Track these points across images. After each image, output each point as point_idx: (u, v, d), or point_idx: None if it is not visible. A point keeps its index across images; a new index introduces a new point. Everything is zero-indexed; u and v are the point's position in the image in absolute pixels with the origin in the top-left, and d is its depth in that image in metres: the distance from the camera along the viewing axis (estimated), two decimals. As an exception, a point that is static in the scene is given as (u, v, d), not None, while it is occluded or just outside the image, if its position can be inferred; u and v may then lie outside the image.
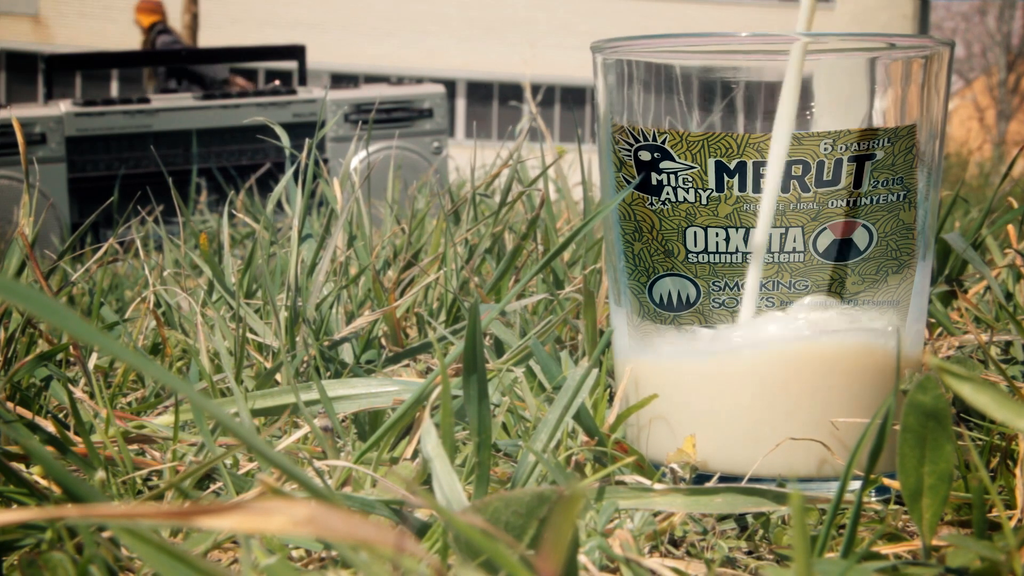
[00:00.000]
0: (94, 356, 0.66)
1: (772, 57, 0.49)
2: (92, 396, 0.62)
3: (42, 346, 0.68)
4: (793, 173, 0.48)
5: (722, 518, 0.46)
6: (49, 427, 0.52)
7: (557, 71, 12.75)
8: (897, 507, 0.47)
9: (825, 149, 0.48)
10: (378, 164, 2.08)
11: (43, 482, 0.48)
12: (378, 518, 0.42)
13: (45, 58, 2.34)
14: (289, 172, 0.79)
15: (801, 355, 0.50)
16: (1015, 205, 0.80)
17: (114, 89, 12.81)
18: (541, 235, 0.88)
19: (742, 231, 0.50)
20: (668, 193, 0.50)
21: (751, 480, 0.49)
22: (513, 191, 0.87)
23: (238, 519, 0.26)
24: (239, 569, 0.41)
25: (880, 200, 0.49)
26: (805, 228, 0.49)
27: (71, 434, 0.54)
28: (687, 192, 0.50)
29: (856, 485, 0.47)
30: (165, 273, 0.87)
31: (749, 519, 0.46)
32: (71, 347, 0.63)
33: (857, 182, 0.49)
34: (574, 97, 12.94)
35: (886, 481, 0.49)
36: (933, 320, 0.73)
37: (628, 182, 0.51)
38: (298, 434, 0.51)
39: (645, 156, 0.50)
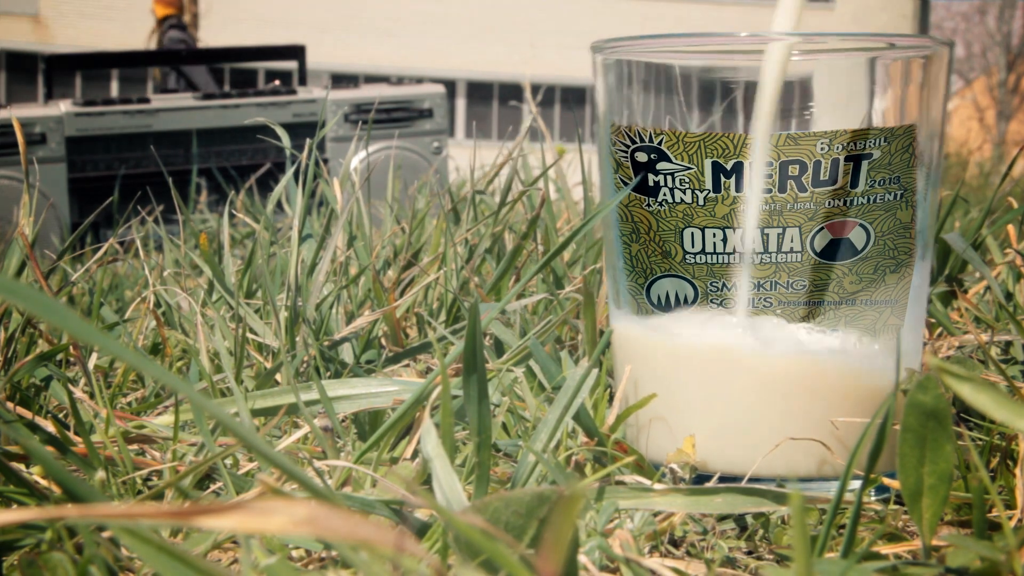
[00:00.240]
0: (94, 356, 0.66)
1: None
2: (92, 396, 0.62)
3: (42, 346, 0.68)
4: (790, 173, 0.48)
5: (722, 518, 0.46)
6: (49, 427, 0.52)
7: (557, 71, 12.76)
8: (897, 507, 0.47)
9: (822, 149, 0.48)
10: (378, 164, 2.08)
11: (43, 482, 0.48)
12: (378, 518, 0.42)
13: (45, 58, 2.34)
14: (289, 172, 0.79)
15: (802, 356, 0.50)
16: (1015, 205, 0.80)
17: (114, 89, 12.80)
18: (541, 235, 0.88)
19: (739, 232, 0.50)
20: (665, 194, 0.50)
21: (751, 480, 0.49)
22: (513, 191, 0.87)
23: (238, 519, 0.26)
24: (239, 569, 0.41)
25: (877, 200, 0.49)
26: (802, 228, 0.49)
27: (71, 434, 0.54)
28: (684, 193, 0.50)
29: (856, 485, 0.47)
30: (165, 273, 0.87)
31: (749, 519, 0.46)
32: (71, 347, 0.63)
33: (854, 182, 0.49)
34: (574, 97, 12.94)
35: (886, 481, 0.49)
36: (933, 320, 0.73)
37: (625, 183, 0.51)
38: (298, 434, 0.51)
39: (642, 157, 0.50)
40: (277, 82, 2.33)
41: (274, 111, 2.19)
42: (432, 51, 14.10)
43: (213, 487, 0.51)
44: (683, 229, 0.50)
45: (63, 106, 2.07)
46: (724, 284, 0.50)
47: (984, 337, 0.67)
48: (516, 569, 0.29)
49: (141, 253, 0.83)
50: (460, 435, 0.57)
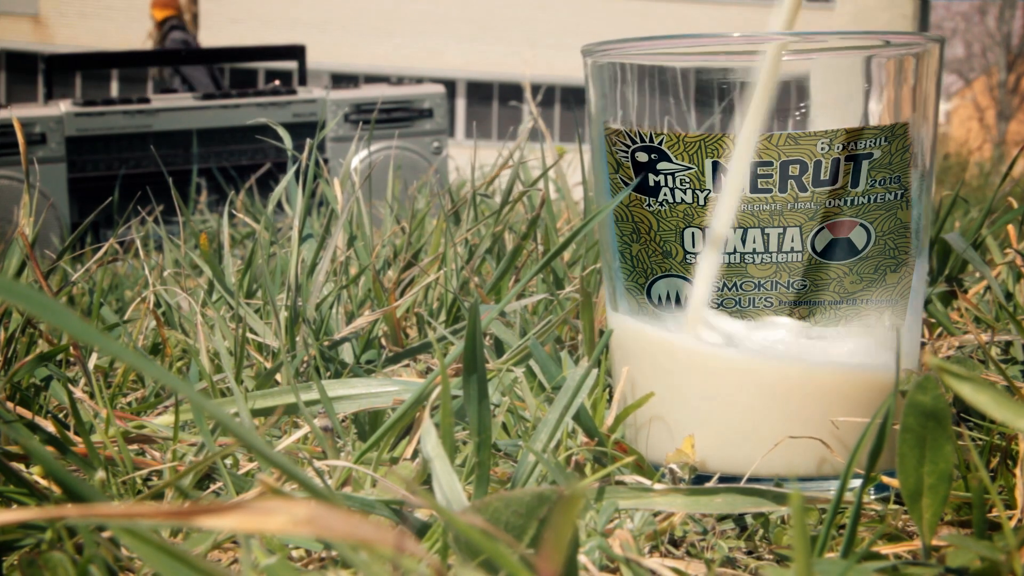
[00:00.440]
0: (94, 356, 0.66)
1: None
2: (92, 396, 0.62)
3: (42, 346, 0.68)
4: (791, 173, 0.48)
5: (722, 518, 0.46)
6: (49, 427, 0.52)
7: (557, 71, 12.75)
8: (897, 507, 0.47)
9: (822, 148, 0.48)
10: (378, 164, 2.08)
11: (43, 482, 0.48)
12: (378, 518, 0.42)
13: (45, 58, 2.34)
14: (290, 172, 0.79)
15: (801, 360, 0.50)
16: (1015, 205, 0.80)
17: (114, 89, 12.80)
18: (541, 235, 0.88)
19: (739, 232, 0.50)
20: (666, 194, 0.50)
21: (751, 480, 0.49)
22: (514, 191, 0.87)
23: (238, 519, 0.26)
24: (239, 569, 0.41)
25: (878, 199, 0.49)
26: (803, 228, 0.49)
27: (71, 434, 0.54)
28: (684, 193, 0.50)
29: (856, 485, 0.47)
30: (165, 273, 0.87)
31: (749, 519, 0.46)
32: (71, 347, 0.63)
33: (855, 181, 0.49)
34: (574, 97, 12.94)
35: (886, 480, 0.49)
36: (933, 320, 0.73)
37: (626, 183, 0.51)
38: (298, 434, 0.51)
39: (642, 157, 0.50)
40: (277, 82, 2.33)
41: (274, 111, 2.19)
42: (432, 51, 14.10)
43: (213, 487, 0.51)
44: (683, 229, 0.50)
45: (63, 106, 2.07)
46: (724, 284, 0.50)
47: (984, 337, 0.68)
48: (516, 569, 0.29)
49: (141, 253, 0.83)
50: (460, 435, 0.57)
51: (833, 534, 0.44)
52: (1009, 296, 0.75)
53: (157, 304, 0.80)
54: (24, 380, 0.62)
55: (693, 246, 0.50)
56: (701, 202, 0.50)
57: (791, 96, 0.49)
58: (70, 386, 0.59)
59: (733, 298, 0.50)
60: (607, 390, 0.57)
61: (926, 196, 0.51)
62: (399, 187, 1.19)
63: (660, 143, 0.49)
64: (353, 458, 0.50)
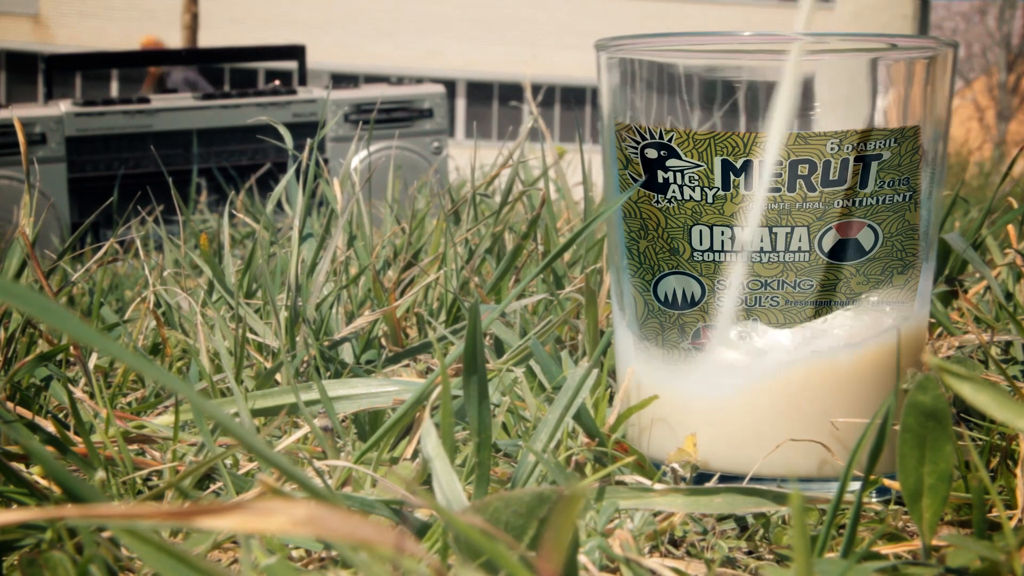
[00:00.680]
0: (94, 356, 0.66)
1: (776, 57, 0.49)
2: (92, 396, 0.62)
3: (42, 346, 0.68)
4: (799, 173, 0.48)
5: (722, 518, 0.46)
6: (49, 427, 0.52)
7: (557, 71, 12.76)
8: (897, 507, 0.47)
9: (832, 149, 0.48)
10: (378, 164, 2.08)
11: (43, 482, 0.48)
12: (378, 518, 0.42)
13: (45, 58, 2.34)
14: (290, 172, 0.79)
15: (803, 360, 0.50)
16: (1015, 205, 0.80)
17: (114, 89, 12.80)
18: (541, 235, 0.88)
19: (747, 230, 0.50)
20: (674, 191, 0.50)
21: (751, 480, 0.49)
22: (513, 191, 0.87)
23: (238, 519, 0.26)
24: (239, 569, 0.41)
25: (886, 200, 0.49)
26: (811, 228, 0.49)
27: (71, 434, 0.54)
28: (693, 190, 0.50)
29: (856, 485, 0.47)
30: (165, 273, 0.87)
31: (749, 519, 0.46)
32: (71, 347, 0.63)
33: (863, 182, 0.49)
34: (574, 97, 12.94)
35: (886, 481, 0.49)
36: (933, 320, 0.73)
37: (635, 180, 0.51)
38: (298, 434, 0.51)
39: (652, 154, 0.50)
40: (277, 82, 2.32)
41: (274, 111, 2.18)
42: (432, 51, 14.10)
43: (213, 487, 0.51)
44: (691, 226, 0.50)
45: (63, 106, 2.07)
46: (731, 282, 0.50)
47: (984, 337, 0.68)
48: (516, 569, 0.29)
49: (141, 253, 0.83)
50: (460, 435, 0.57)
51: (833, 534, 0.44)
52: (1009, 296, 0.75)
53: (157, 304, 0.80)
54: (24, 380, 0.62)
55: (700, 243, 0.50)
56: (709, 200, 0.50)
57: (802, 96, 0.49)
58: (70, 386, 0.59)
59: (740, 297, 0.50)
60: (608, 390, 0.57)
61: (936, 197, 0.51)
62: (399, 187, 1.19)
63: (670, 140, 0.49)
64: (353, 458, 0.50)
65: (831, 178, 0.48)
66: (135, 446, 0.55)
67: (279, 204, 1.13)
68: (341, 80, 2.52)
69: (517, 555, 0.32)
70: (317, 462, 0.48)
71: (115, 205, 1.08)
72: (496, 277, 0.78)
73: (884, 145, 0.48)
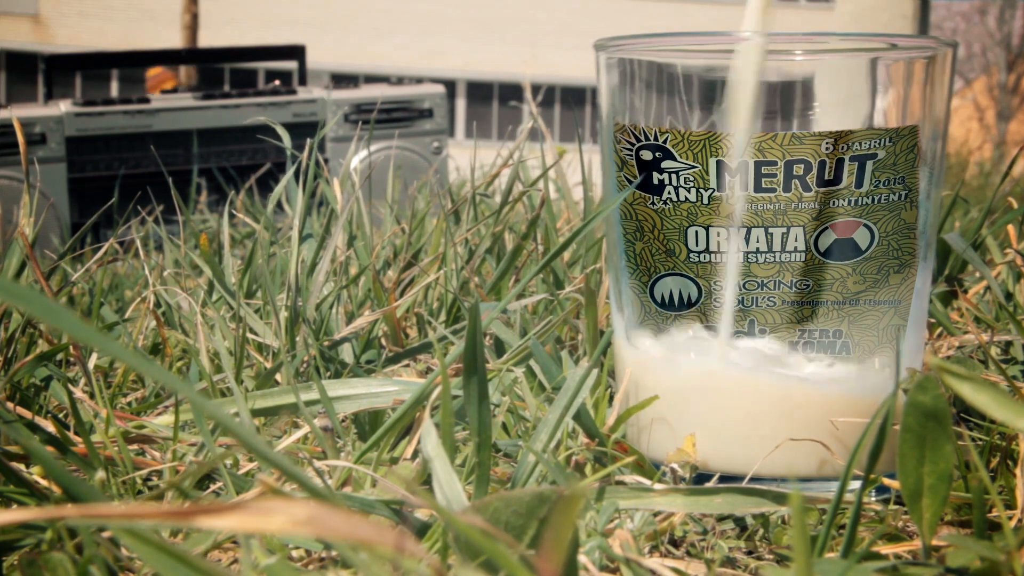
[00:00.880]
0: (94, 356, 0.66)
1: (774, 56, 0.49)
2: (92, 396, 0.62)
3: (42, 346, 0.68)
4: (795, 172, 0.48)
5: (722, 518, 0.46)
6: (49, 427, 0.52)
7: (557, 71, 12.76)
8: (897, 507, 0.47)
9: (827, 149, 0.48)
10: (378, 164, 2.08)
11: (43, 482, 0.48)
12: (378, 518, 0.42)
13: (45, 58, 2.34)
14: (290, 172, 0.79)
15: (803, 359, 0.50)
16: (1015, 205, 0.80)
17: (114, 89, 12.80)
18: (541, 235, 0.88)
19: (743, 231, 0.50)
20: (670, 192, 0.50)
21: (751, 480, 0.49)
22: (513, 191, 0.87)
23: (238, 519, 0.26)
24: (239, 569, 0.41)
25: (882, 200, 0.49)
26: (807, 227, 0.49)
27: (71, 434, 0.54)
28: (689, 192, 0.50)
29: (856, 485, 0.47)
30: (165, 273, 0.87)
31: (749, 519, 0.46)
32: (71, 347, 0.63)
33: (859, 182, 0.49)
34: (574, 97, 12.93)
35: (886, 481, 0.49)
36: (933, 320, 0.73)
37: (630, 181, 0.51)
38: (298, 434, 0.51)
39: (647, 155, 0.50)
40: (277, 82, 2.32)
41: (274, 111, 2.18)
42: (432, 51, 14.10)
43: (213, 487, 0.51)
44: (687, 228, 0.50)
45: (63, 106, 2.07)
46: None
47: (984, 337, 0.68)
48: (516, 569, 0.29)
49: (141, 253, 0.83)
50: (460, 435, 0.57)
51: (833, 534, 0.44)
52: (1009, 296, 0.75)
53: (157, 304, 0.80)
54: (24, 380, 0.62)
55: (696, 245, 0.50)
56: (705, 201, 0.50)
57: (800, 96, 0.49)
58: (70, 386, 0.59)
59: (736, 298, 0.50)
60: (608, 390, 0.57)
61: (935, 196, 0.51)
62: (399, 187, 1.19)
63: (665, 141, 0.49)
64: (353, 458, 0.50)
65: (826, 178, 0.48)
66: (135, 446, 0.55)
67: (279, 204, 1.13)
68: (341, 80, 2.52)
69: (517, 555, 0.32)
70: (317, 462, 0.48)
71: (115, 205, 1.08)
72: (496, 277, 0.78)
73: (879, 144, 0.48)
